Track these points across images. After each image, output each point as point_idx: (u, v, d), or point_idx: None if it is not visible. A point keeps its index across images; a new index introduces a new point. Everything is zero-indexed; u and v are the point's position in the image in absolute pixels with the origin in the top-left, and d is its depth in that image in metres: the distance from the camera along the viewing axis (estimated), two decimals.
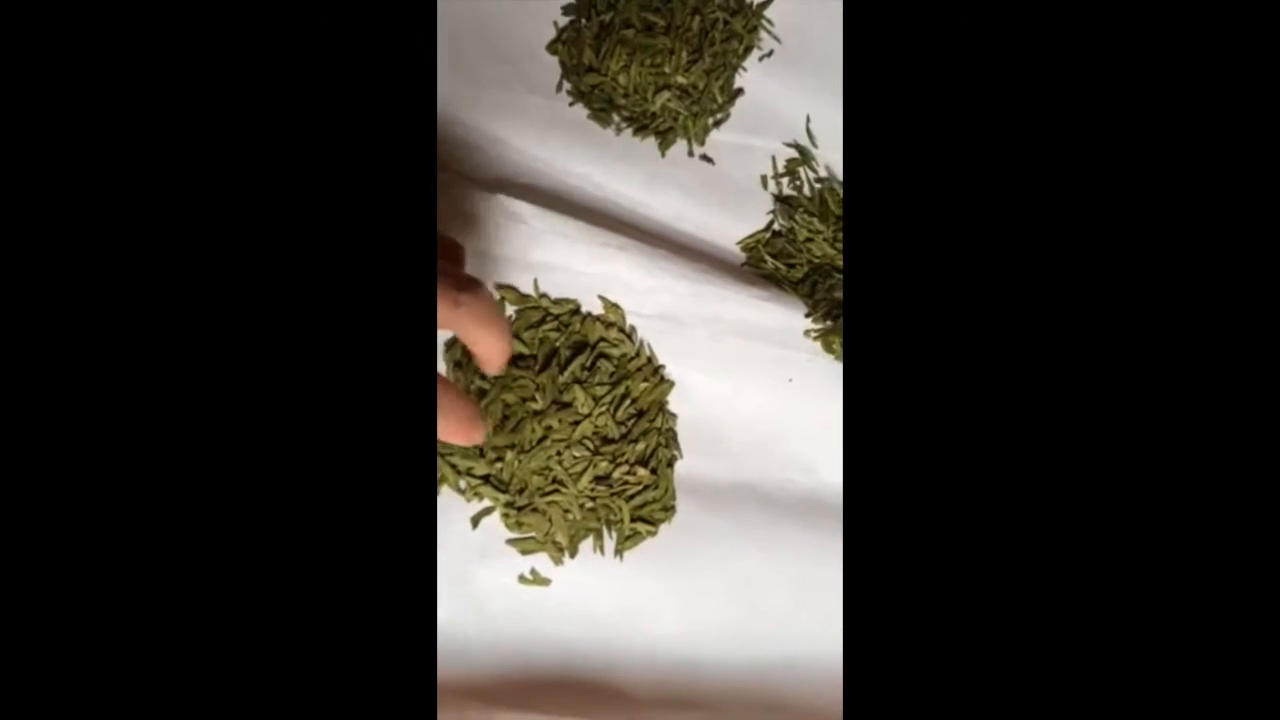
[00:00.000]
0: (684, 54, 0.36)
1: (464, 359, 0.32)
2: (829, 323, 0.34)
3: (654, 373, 0.33)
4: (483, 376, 0.31)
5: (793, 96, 0.37)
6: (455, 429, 0.23)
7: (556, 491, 0.31)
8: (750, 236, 0.36)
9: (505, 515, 0.30)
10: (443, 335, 0.32)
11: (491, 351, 0.24)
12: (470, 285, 0.23)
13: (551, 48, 0.36)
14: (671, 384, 0.34)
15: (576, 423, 0.31)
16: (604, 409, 0.32)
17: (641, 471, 0.32)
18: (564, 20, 0.36)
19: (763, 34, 0.38)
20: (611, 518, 0.31)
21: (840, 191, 0.36)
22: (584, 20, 0.36)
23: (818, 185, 0.37)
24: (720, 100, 0.37)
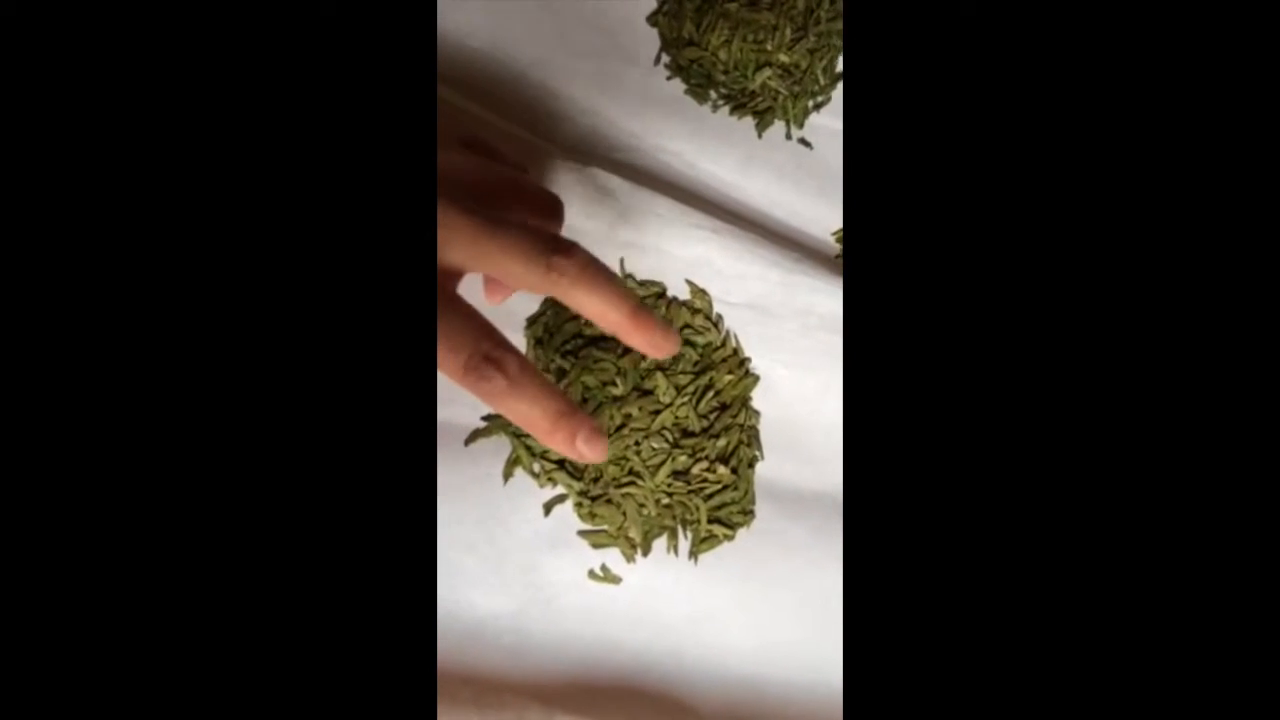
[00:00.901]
0: (787, 31, 0.33)
1: (545, 335, 0.30)
2: None
3: (739, 365, 0.31)
4: (564, 355, 0.29)
5: None
6: (541, 424, 0.20)
7: (633, 484, 0.28)
8: None
9: (579, 505, 0.28)
10: (527, 304, 0.30)
11: (603, 312, 0.21)
12: (565, 247, 0.20)
13: (652, 19, 0.34)
14: (757, 378, 0.31)
15: (657, 412, 0.29)
16: (685, 400, 0.29)
17: (721, 469, 0.29)
18: None
19: None
20: (688, 517, 0.29)
21: None
22: None
23: None
24: (823, 82, 0.34)
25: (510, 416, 0.20)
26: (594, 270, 0.21)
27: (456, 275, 0.21)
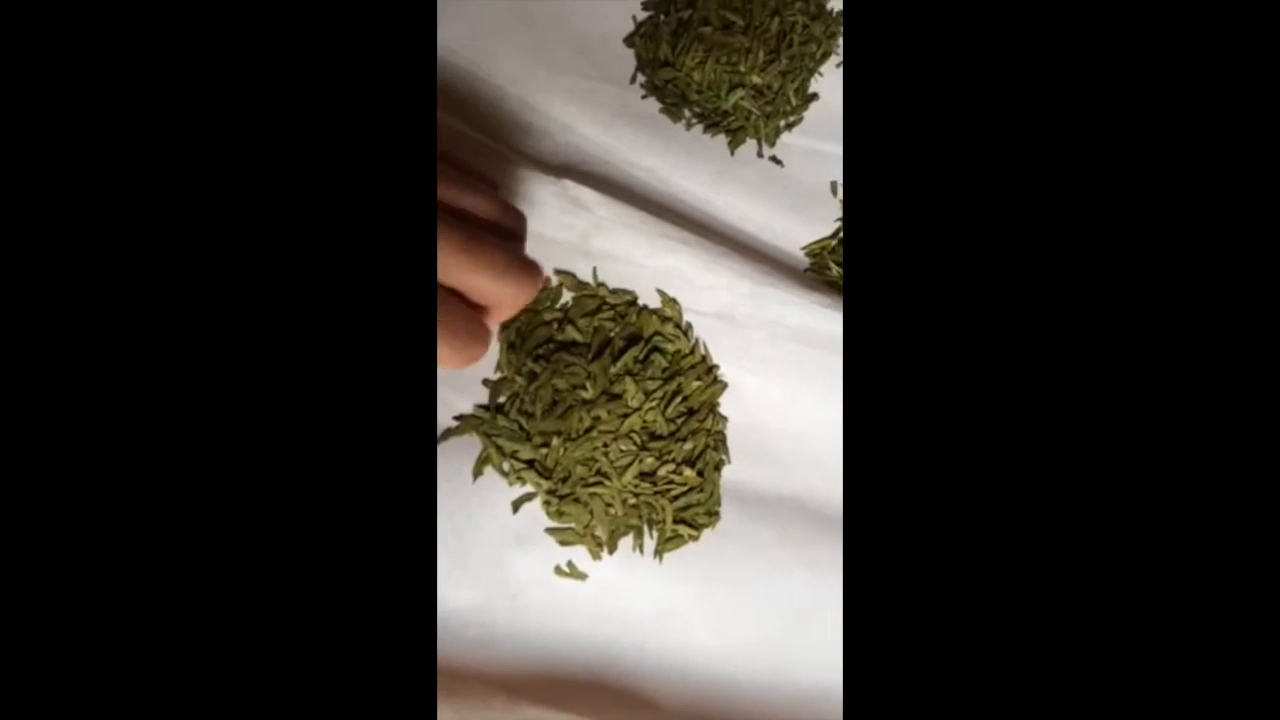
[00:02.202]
0: (760, 54, 0.34)
1: (518, 340, 0.30)
2: None
3: (707, 372, 0.31)
4: (535, 359, 0.30)
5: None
6: (450, 347, 0.20)
7: (600, 484, 0.28)
8: (816, 242, 0.34)
9: (547, 503, 0.28)
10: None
11: (500, 296, 0.21)
12: (532, 269, 0.21)
13: (629, 40, 0.34)
14: (724, 385, 0.31)
15: (625, 415, 0.29)
16: (654, 404, 0.30)
17: (688, 472, 0.29)
18: (643, 15, 0.35)
19: (841, 41, 0.36)
20: (654, 517, 0.29)
21: None
22: (663, 16, 0.34)
23: None
24: (794, 103, 0.35)
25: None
26: (506, 258, 0.21)
27: None
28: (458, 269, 0.20)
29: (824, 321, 0.32)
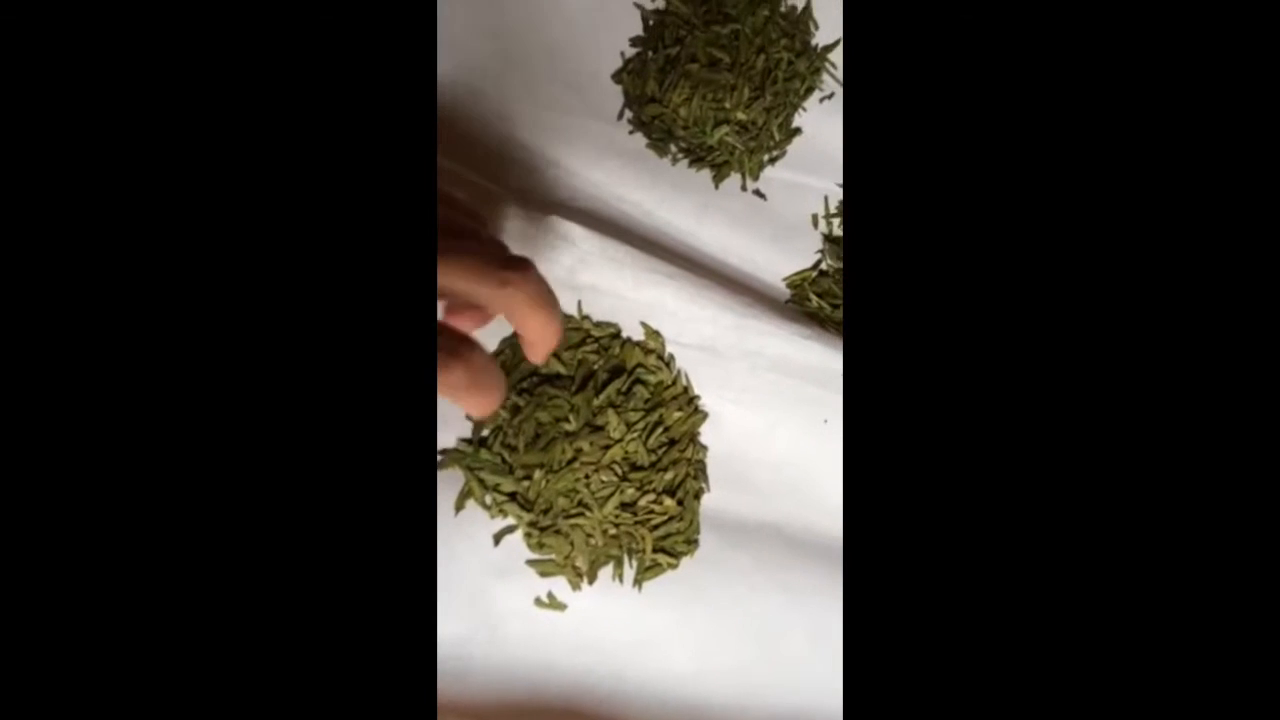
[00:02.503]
0: (746, 91, 0.34)
1: (509, 365, 0.30)
2: None
3: (689, 403, 0.32)
4: (519, 392, 0.30)
5: None
6: (471, 393, 0.19)
7: (581, 515, 0.29)
8: (797, 274, 0.35)
9: (528, 535, 0.29)
10: (492, 334, 0.31)
11: (540, 334, 0.21)
12: (519, 264, 0.20)
13: (616, 77, 0.35)
14: (705, 415, 0.32)
15: (607, 447, 0.30)
16: (636, 435, 0.30)
17: (668, 501, 0.30)
18: (631, 51, 0.35)
19: (825, 76, 0.36)
20: (634, 546, 0.30)
21: None
22: (650, 52, 0.35)
23: None
24: (778, 138, 0.35)
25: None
26: (543, 289, 0.21)
27: None
28: (440, 272, 0.20)
29: (804, 352, 0.32)
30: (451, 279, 0.20)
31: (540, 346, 0.22)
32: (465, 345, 0.19)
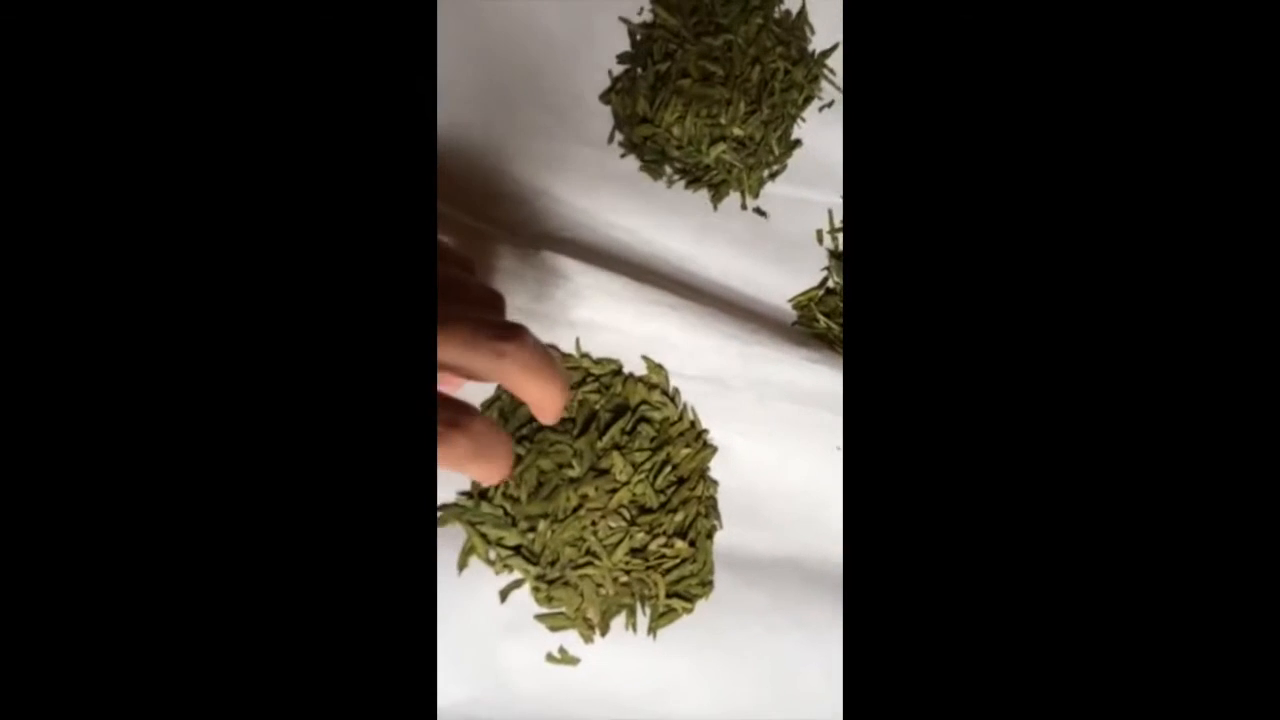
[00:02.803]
0: (742, 105, 0.32)
1: (500, 420, 0.29)
2: None
3: (696, 438, 0.30)
4: (519, 440, 0.29)
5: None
6: (478, 462, 0.19)
7: (590, 564, 0.28)
8: (803, 294, 0.33)
9: (535, 589, 0.27)
10: (482, 390, 0.29)
11: (545, 399, 0.21)
12: (513, 333, 0.20)
13: (605, 97, 0.33)
14: (714, 450, 0.30)
15: (613, 491, 0.28)
16: (643, 476, 0.29)
17: (679, 544, 0.29)
18: (619, 69, 0.33)
19: (824, 83, 0.35)
20: (646, 593, 0.28)
21: None
22: (640, 69, 0.33)
23: None
24: (777, 152, 0.34)
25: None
26: (540, 355, 0.20)
27: None
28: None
29: (813, 376, 0.31)
30: (445, 352, 0.19)
31: (547, 411, 0.21)
32: (466, 414, 0.19)
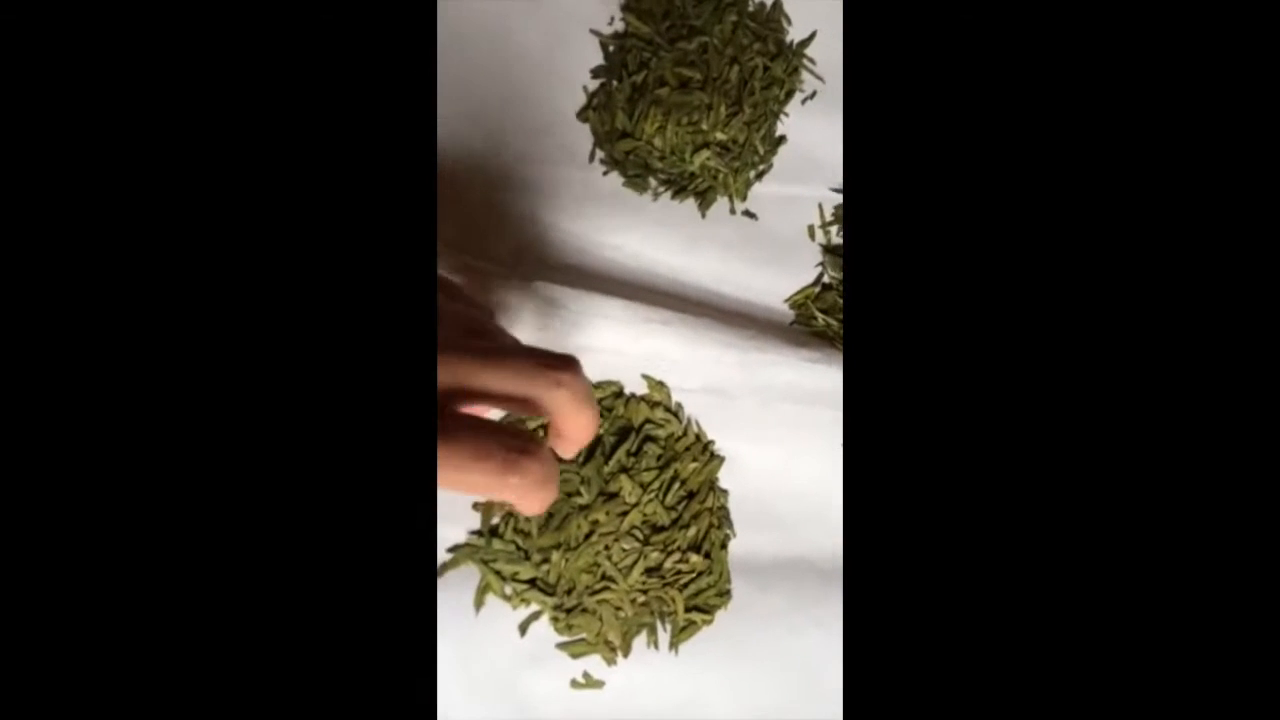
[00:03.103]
0: (722, 108, 0.32)
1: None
2: None
3: (703, 450, 0.30)
4: None
5: (839, 137, 0.33)
6: (546, 489, 0.19)
7: (606, 589, 0.28)
8: (799, 292, 0.33)
9: (554, 619, 0.28)
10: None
11: (580, 432, 0.21)
12: (569, 364, 0.20)
13: (582, 115, 0.32)
14: (721, 460, 0.30)
15: (624, 513, 0.28)
16: (652, 495, 0.29)
17: (694, 558, 0.29)
18: (594, 84, 0.33)
19: (804, 75, 0.34)
20: (665, 609, 0.29)
21: None
22: (615, 82, 0.32)
23: None
24: (762, 151, 0.33)
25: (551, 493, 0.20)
26: (589, 387, 0.21)
27: (458, 403, 0.20)
28: (492, 379, 0.19)
29: (813, 376, 0.31)
30: (504, 382, 0.19)
31: (577, 443, 0.22)
32: (534, 443, 0.19)
